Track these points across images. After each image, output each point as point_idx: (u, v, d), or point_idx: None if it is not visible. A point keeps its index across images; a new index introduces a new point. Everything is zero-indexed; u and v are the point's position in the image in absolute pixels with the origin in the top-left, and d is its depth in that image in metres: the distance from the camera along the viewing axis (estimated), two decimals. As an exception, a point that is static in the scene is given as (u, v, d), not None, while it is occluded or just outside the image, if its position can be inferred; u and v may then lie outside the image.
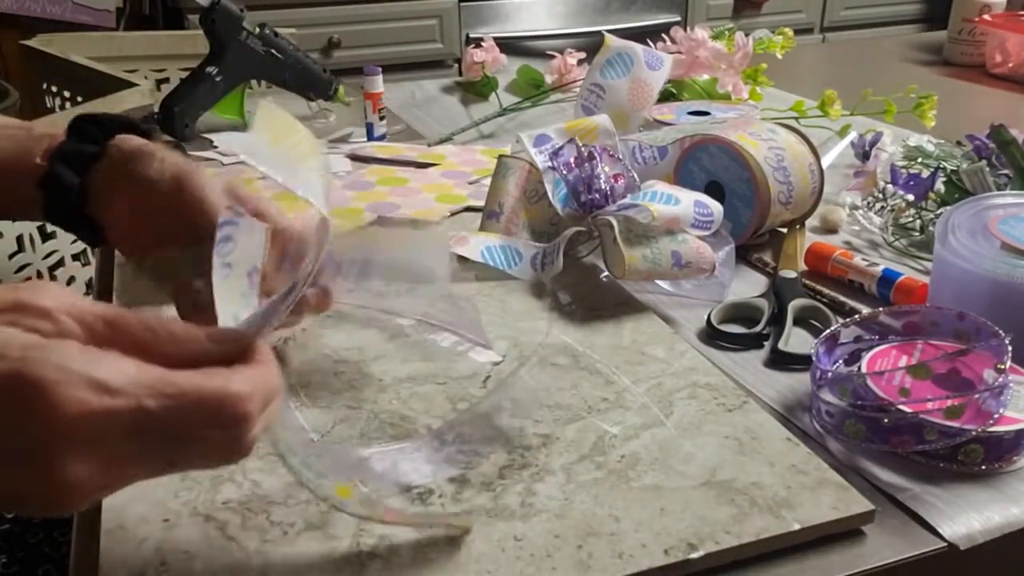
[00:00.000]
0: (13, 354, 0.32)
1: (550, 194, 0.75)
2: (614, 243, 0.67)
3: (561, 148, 0.75)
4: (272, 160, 0.41)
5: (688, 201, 0.69)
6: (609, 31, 1.03)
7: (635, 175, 0.74)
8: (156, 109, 1.08)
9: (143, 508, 0.48)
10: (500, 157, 0.80)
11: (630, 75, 1.01)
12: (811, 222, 0.86)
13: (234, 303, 0.45)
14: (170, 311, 0.57)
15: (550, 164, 0.76)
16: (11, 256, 1.48)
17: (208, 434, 0.35)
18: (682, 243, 0.68)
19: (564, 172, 0.74)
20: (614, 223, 0.68)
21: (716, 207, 0.71)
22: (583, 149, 0.75)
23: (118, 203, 0.57)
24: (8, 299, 0.34)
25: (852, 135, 1.06)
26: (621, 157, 0.76)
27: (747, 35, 1.19)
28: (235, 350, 0.37)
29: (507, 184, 0.78)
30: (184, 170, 0.56)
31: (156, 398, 0.33)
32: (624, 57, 1.03)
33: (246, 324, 0.40)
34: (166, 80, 1.60)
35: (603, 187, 0.72)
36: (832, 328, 0.60)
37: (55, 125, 0.61)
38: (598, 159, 0.73)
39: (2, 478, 0.32)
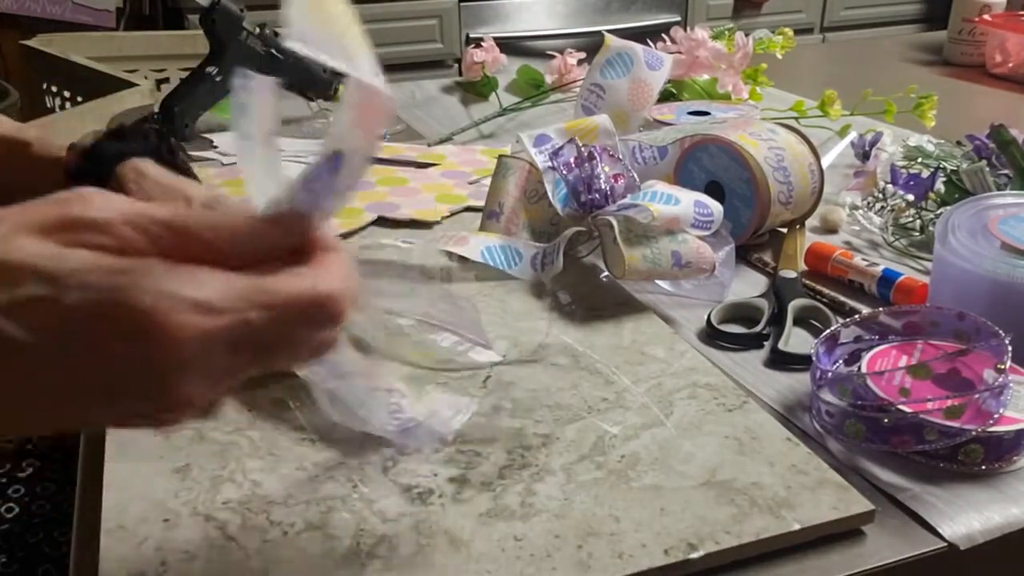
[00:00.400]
0: (101, 282, 0.30)
1: (550, 194, 0.75)
2: (614, 243, 0.67)
3: (561, 148, 0.75)
4: (319, 41, 0.38)
5: (688, 201, 0.69)
6: (609, 31, 1.03)
7: (635, 175, 0.74)
8: (156, 109, 1.08)
9: (143, 508, 0.48)
10: (500, 157, 0.80)
11: (630, 75, 1.01)
12: (811, 222, 0.86)
13: (263, 176, 0.41)
14: None
15: (550, 164, 0.76)
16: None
17: (303, 336, 0.35)
18: (682, 243, 0.68)
19: (564, 172, 0.74)
20: (614, 223, 0.68)
21: (716, 207, 0.71)
22: (583, 149, 0.75)
23: None
24: (54, 216, 0.32)
25: (852, 135, 1.06)
26: (621, 157, 0.76)
27: (747, 35, 1.19)
28: (300, 237, 0.36)
29: (507, 184, 0.78)
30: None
31: (257, 310, 0.33)
32: (624, 57, 1.03)
33: (296, 202, 0.36)
34: (166, 80, 1.60)
35: (603, 187, 0.72)
36: (832, 328, 0.60)
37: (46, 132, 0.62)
38: (598, 159, 0.73)
39: (115, 406, 0.32)
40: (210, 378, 0.33)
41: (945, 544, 0.48)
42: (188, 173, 0.62)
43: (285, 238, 0.36)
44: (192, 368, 0.32)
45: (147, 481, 0.50)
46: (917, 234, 0.85)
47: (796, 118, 1.10)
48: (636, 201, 0.69)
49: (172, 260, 0.32)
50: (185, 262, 0.32)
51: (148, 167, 0.59)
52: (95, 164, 0.59)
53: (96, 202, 0.32)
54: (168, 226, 0.33)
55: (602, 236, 0.70)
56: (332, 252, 0.36)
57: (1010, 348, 0.54)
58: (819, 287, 0.74)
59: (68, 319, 0.30)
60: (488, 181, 0.97)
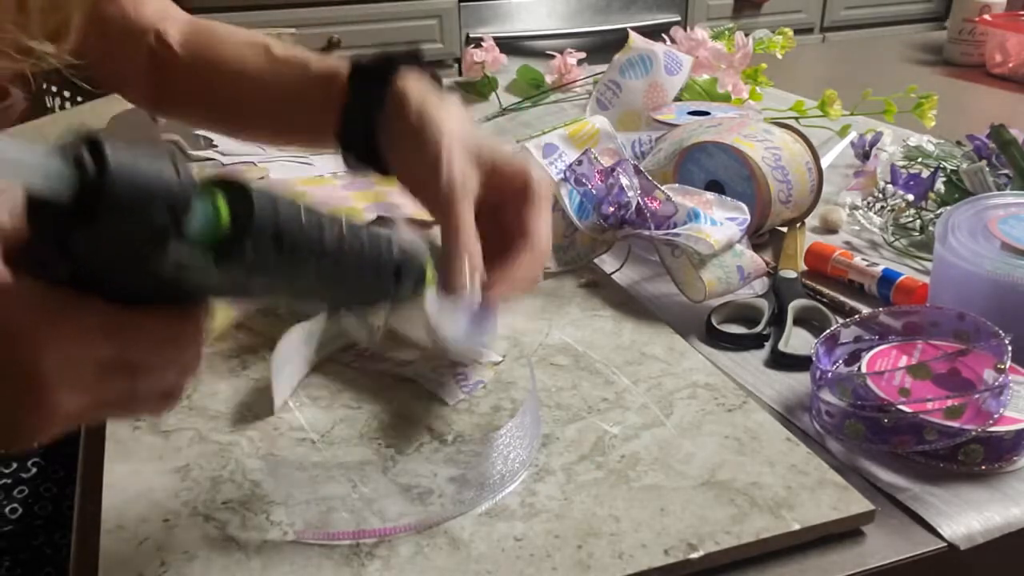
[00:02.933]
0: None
1: (566, 207, 0.74)
2: (690, 268, 0.68)
3: (580, 163, 0.74)
4: None
5: (722, 216, 0.69)
6: (609, 31, 1.04)
7: (670, 195, 0.71)
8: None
9: (143, 508, 0.48)
10: None
11: (648, 77, 1.02)
12: (811, 222, 0.86)
13: None
14: None
15: (563, 176, 0.75)
16: (11, 256, 1.48)
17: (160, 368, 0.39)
18: (741, 256, 0.69)
19: (587, 186, 0.73)
20: (684, 249, 0.68)
21: (740, 206, 0.71)
22: (598, 160, 0.73)
23: (395, 159, 0.59)
24: None
25: (852, 135, 1.06)
26: (628, 157, 0.75)
27: (747, 35, 1.19)
28: None
29: None
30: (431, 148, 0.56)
31: (121, 340, 0.37)
32: (645, 59, 1.03)
33: None
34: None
35: (630, 201, 0.71)
36: (832, 328, 0.60)
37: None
38: (621, 172, 0.72)
39: None
40: (79, 390, 0.36)
41: (945, 544, 0.48)
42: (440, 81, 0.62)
43: None
44: (60, 379, 0.35)
45: (147, 481, 0.50)
46: (917, 234, 0.85)
47: (796, 118, 1.10)
48: (687, 229, 0.68)
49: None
50: None
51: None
52: (372, 73, 0.59)
53: None
54: None
55: (664, 257, 0.70)
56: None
57: (1010, 348, 0.54)
58: (819, 287, 0.74)
59: None
60: (488, 181, 0.97)
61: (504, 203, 0.56)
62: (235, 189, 0.34)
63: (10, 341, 0.34)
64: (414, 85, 0.58)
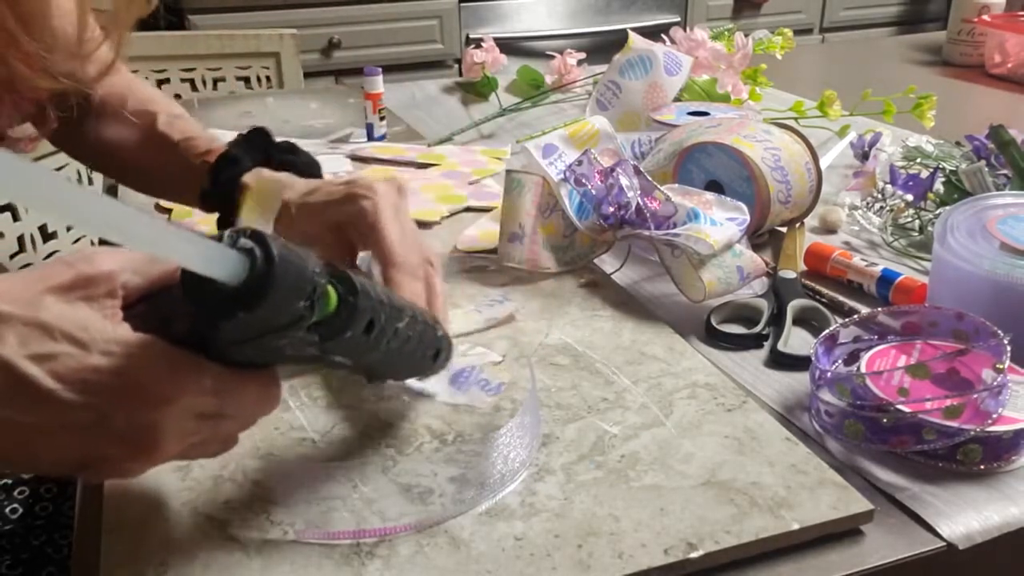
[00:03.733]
0: (118, 351, 0.37)
1: (566, 207, 0.74)
2: (689, 269, 0.68)
3: (580, 163, 0.74)
4: None
5: (722, 217, 0.70)
6: (609, 32, 1.04)
7: (669, 195, 0.71)
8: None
9: (143, 508, 0.48)
10: (509, 172, 0.75)
11: (648, 78, 1.02)
12: (810, 222, 0.86)
13: None
14: None
15: (563, 176, 0.75)
16: (12, 256, 1.48)
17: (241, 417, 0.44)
18: (740, 256, 0.69)
19: (587, 186, 0.73)
20: (684, 249, 0.68)
21: (740, 206, 0.71)
22: (598, 161, 0.73)
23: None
24: (68, 277, 0.38)
25: (851, 135, 1.07)
26: (627, 157, 0.75)
27: (747, 35, 1.19)
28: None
29: (524, 202, 0.74)
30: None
31: (222, 396, 0.41)
32: (644, 60, 1.03)
33: None
34: (167, 80, 1.61)
35: (630, 202, 0.71)
36: (831, 328, 0.61)
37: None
38: (620, 173, 0.72)
39: (99, 448, 0.38)
40: (179, 438, 0.39)
41: (944, 544, 0.48)
42: (300, 170, 0.67)
43: None
44: (170, 429, 0.38)
45: (147, 481, 0.50)
46: (916, 234, 0.85)
47: (796, 118, 1.10)
48: (687, 229, 0.68)
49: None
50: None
51: (260, 175, 0.65)
52: (220, 185, 0.66)
53: (97, 259, 0.39)
54: (159, 273, 0.41)
55: (664, 257, 0.70)
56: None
57: (1009, 348, 0.54)
58: (818, 287, 0.74)
59: (86, 372, 0.36)
60: (488, 182, 0.97)
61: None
62: (342, 278, 0.39)
63: (135, 394, 0.37)
64: (246, 183, 0.64)
